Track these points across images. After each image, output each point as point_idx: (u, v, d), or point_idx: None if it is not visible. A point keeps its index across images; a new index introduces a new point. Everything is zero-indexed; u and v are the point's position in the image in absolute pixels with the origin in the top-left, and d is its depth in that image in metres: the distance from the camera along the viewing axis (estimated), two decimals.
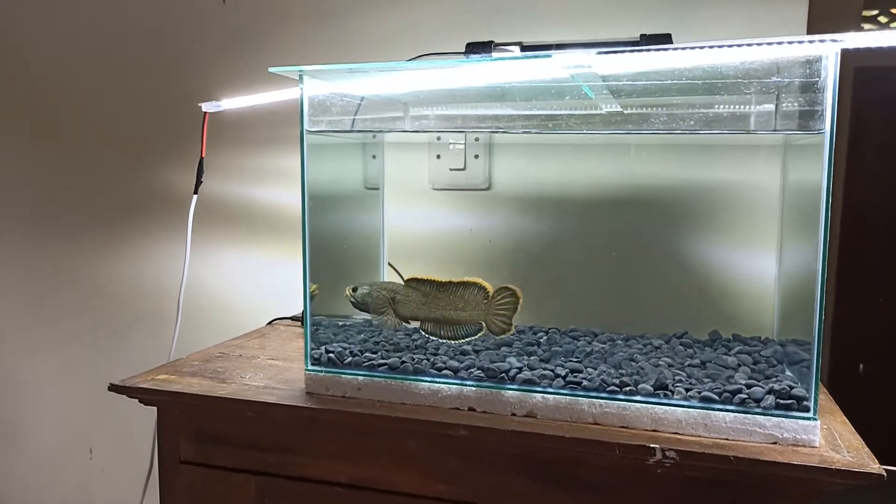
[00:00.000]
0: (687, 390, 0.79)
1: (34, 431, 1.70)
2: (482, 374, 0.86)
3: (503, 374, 0.85)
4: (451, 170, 1.28)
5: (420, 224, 1.31)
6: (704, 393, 0.78)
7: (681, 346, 0.97)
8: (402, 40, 1.30)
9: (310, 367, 0.92)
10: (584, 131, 1.08)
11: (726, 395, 0.77)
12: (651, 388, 0.80)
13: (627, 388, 0.80)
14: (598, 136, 1.18)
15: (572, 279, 1.24)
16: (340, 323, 1.10)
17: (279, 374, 0.99)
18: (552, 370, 0.85)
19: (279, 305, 1.44)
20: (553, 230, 1.24)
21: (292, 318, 1.31)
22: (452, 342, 0.96)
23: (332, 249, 1.15)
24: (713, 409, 0.77)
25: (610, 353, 0.94)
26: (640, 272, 1.19)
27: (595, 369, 0.87)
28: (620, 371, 0.86)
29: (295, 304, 1.40)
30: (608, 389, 0.81)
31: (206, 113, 1.22)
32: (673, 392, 0.79)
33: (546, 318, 1.21)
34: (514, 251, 1.26)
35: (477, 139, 1.26)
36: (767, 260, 1.08)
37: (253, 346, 1.15)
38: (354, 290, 0.98)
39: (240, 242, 1.48)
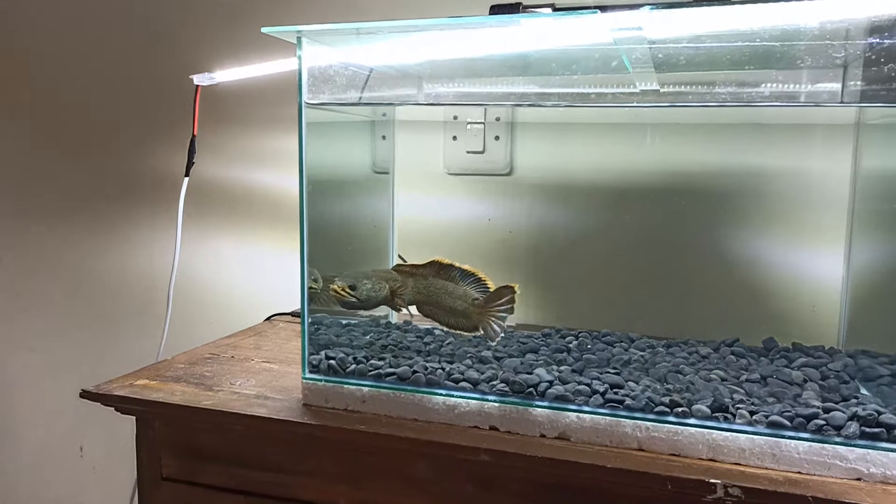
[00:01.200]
0: (751, 413, 0.67)
1: (21, 429, 1.60)
2: (506, 388, 0.74)
3: (531, 389, 0.73)
4: (468, 153, 1.15)
5: (433, 212, 1.19)
6: (773, 417, 0.66)
7: (732, 356, 0.85)
8: (415, 8, 1.17)
9: (307, 376, 0.80)
10: (623, 104, 0.95)
11: (799, 419, 0.65)
12: (708, 410, 0.68)
13: (680, 410, 0.68)
14: (636, 114, 1.05)
15: (602, 276, 1.11)
16: (344, 321, 0.99)
17: (274, 381, 0.87)
18: (588, 384, 0.73)
19: (281, 299, 1.32)
20: (581, 221, 1.12)
21: (292, 314, 1.19)
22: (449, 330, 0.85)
23: (335, 240, 1.03)
24: (784, 437, 0.64)
25: (651, 362, 0.82)
26: (681, 270, 1.06)
27: (637, 383, 0.74)
28: (667, 386, 0.74)
29: (297, 298, 1.28)
30: (656, 410, 0.69)
31: (197, 86, 1.10)
32: (735, 415, 0.67)
33: (572, 319, 1.09)
34: (537, 244, 1.14)
35: (497, 118, 1.13)
36: (832, 259, 0.95)
37: (247, 345, 1.03)
38: (353, 287, 0.86)
39: (237, 230, 1.36)
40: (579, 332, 0.94)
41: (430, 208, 1.20)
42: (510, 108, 1.13)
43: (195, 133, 1.13)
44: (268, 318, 1.19)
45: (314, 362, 0.80)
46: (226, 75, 1.09)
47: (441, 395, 0.75)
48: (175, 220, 1.17)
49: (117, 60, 1.41)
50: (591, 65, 0.95)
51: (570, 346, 0.89)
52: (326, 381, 0.79)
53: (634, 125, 1.05)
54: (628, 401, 0.70)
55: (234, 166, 1.35)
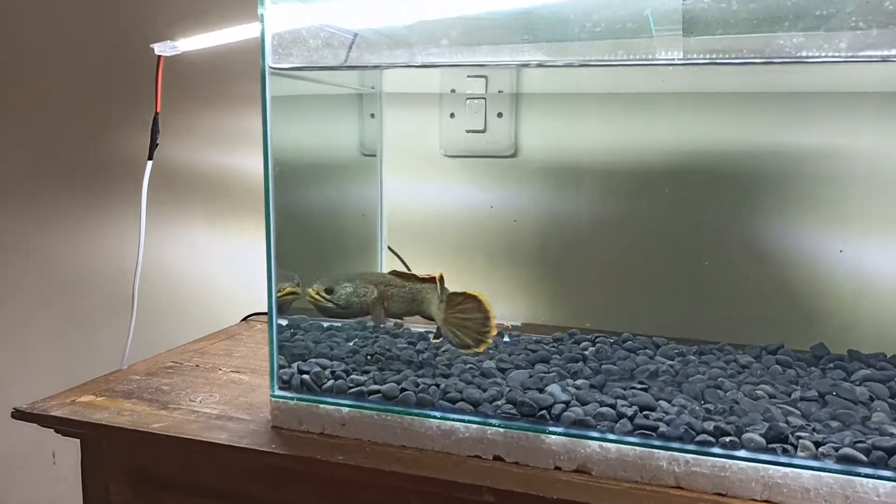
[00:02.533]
0: (817, 444, 0.54)
1: None
2: (513, 410, 0.61)
3: (543, 411, 0.60)
4: (467, 132, 1.02)
5: (428, 200, 1.07)
6: (844, 449, 0.53)
7: (777, 366, 0.72)
8: None
9: (277, 393, 0.67)
10: (647, 61, 0.82)
11: (878, 453, 0.53)
12: (762, 440, 0.55)
13: (727, 439, 0.56)
14: (659, 83, 0.92)
15: (618, 270, 0.99)
16: (326, 325, 0.86)
17: (242, 396, 0.75)
18: (612, 405, 0.60)
19: (264, 295, 1.19)
20: (595, 209, 0.99)
21: None
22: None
23: (316, 233, 0.91)
24: (859, 475, 0.52)
25: (683, 374, 0.70)
26: (709, 264, 0.93)
27: (670, 402, 0.62)
28: (706, 405, 0.62)
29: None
30: (697, 439, 0.56)
31: (159, 57, 0.96)
32: (795, 446, 0.54)
33: (585, 318, 0.97)
34: (545, 234, 1.01)
35: (500, 91, 1.00)
36: (884, 251, 0.82)
37: (217, 351, 0.91)
38: (330, 291, 0.74)
39: (216, 219, 1.24)
40: (596, 337, 0.82)
41: (424, 195, 1.07)
42: (514, 79, 1.00)
43: (158, 110, 0.99)
44: (245, 319, 1.07)
45: (284, 377, 0.68)
46: (191, 43, 0.96)
47: (435, 417, 0.62)
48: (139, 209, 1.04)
49: (69, 28, 1.27)
50: (607, 26, 0.82)
51: (587, 353, 0.76)
52: (299, 399, 0.66)
53: (657, 97, 0.92)
54: (662, 427, 0.57)
55: (207, 148, 1.22)
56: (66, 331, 1.37)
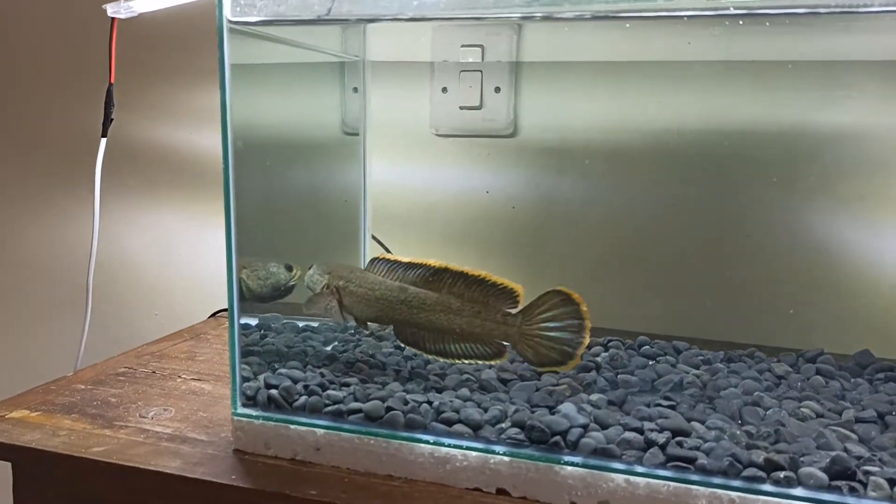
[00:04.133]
0: (892, 482, 0.45)
1: None
2: (521, 436, 0.51)
3: (557, 437, 0.50)
4: (461, 108, 0.92)
5: (417, 183, 0.96)
6: None
7: (819, 377, 0.63)
8: None
9: (240, 411, 0.57)
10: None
11: None
12: (824, 476, 0.46)
13: (782, 475, 0.46)
14: (678, 46, 0.81)
15: (628, 263, 0.89)
16: (302, 325, 0.76)
17: (201, 410, 0.64)
18: (639, 429, 0.51)
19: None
20: (602, 195, 0.89)
21: None
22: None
23: (292, 220, 0.80)
24: None
25: (713, 386, 0.60)
26: (730, 257, 0.84)
27: (704, 422, 0.52)
28: (745, 427, 0.52)
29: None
30: (745, 473, 0.47)
31: (113, 19, 0.85)
32: (865, 483, 0.45)
33: (592, 317, 0.87)
34: (547, 222, 0.91)
35: (499, 61, 0.90)
36: None
37: (178, 354, 0.80)
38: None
39: (185, 203, 1.12)
40: (608, 341, 0.72)
41: (412, 178, 0.96)
42: (513, 47, 0.89)
43: (112, 81, 0.88)
44: (213, 315, 0.96)
45: (249, 391, 0.57)
46: (149, 3, 0.84)
47: (428, 442, 0.52)
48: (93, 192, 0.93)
49: None
50: None
51: (599, 360, 0.67)
52: (266, 418, 0.56)
53: (678, 66, 0.82)
54: (701, 457, 0.48)
55: (176, 125, 1.10)
56: (11, 328, 1.25)
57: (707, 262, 0.85)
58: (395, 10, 0.55)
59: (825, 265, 0.81)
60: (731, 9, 0.65)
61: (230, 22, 0.52)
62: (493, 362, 0.61)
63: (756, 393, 0.59)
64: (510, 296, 0.59)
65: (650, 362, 0.66)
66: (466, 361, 0.61)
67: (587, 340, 0.57)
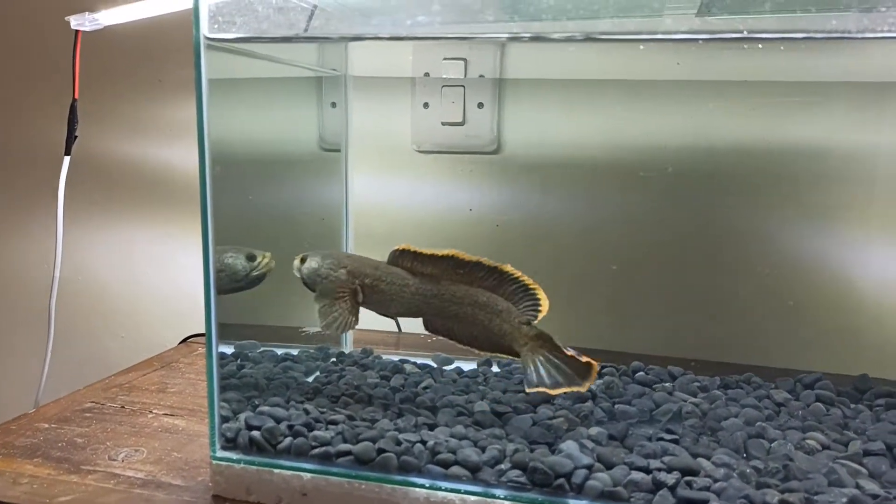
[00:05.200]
0: None
1: None
2: (523, 478, 0.48)
3: (561, 480, 0.48)
4: (444, 124, 0.90)
5: (398, 201, 0.93)
6: None
7: (820, 405, 0.61)
8: None
9: (219, 455, 0.53)
10: (659, 35, 0.69)
11: None
12: None
13: None
14: (664, 66, 0.80)
15: (615, 282, 0.87)
16: (281, 353, 0.72)
17: (176, 451, 0.60)
18: (644, 468, 0.48)
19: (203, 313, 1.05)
20: (587, 212, 0.87)
21: None
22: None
23: (268, 240, 0.76)
24: None
25: (714, 416, 0.58)
26: (719, 275, 0.83)
27: (709, 458, 0.50)
28: (753, 463, 0.50)
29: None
30: None
31: (77, 32, 0.81)
32: None
33: (578, 339, 0.85)
34: (532, 240, 0.89)
35: (482, 76, 0.87)
36: None
37: (148, 385, 0.76)
38: (303, 260, 0.61)
39: (153, 222, 1.08)
40: (602, 367, 0.70)
41: (393, 196, 0.94)
42: (497, 62, 0.87)
43: (76, 96, 0.84)
44: (184, 341, 0.92)
45: (229, 434, 0.54)
46: (115, 15, 0.80)
47: (423, 486, 0.49)
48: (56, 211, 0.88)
49: None
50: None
51: (594, 388, 0.64)
52: (248, 462, 0.52)
53: (663, 84, 0.81)
54: (713, 500, 0.45)
55: (143, 141, 1.06)
56: None
57: (694, 279, 0.84)
58: (377, 30, 0.52)
59: (812, 282, 0.80)
60: (720, 33, 0.64)
61: (208, 39, 0.48)
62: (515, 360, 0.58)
63: (758, 423, 0.57)
64: (534, 300, 0.57)
65: (647, 390, 0.64)
66: (494, 355, 0.59)
67: (586, 387, 0.55)
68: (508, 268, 0.58)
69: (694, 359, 0.75)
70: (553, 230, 0.88)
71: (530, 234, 0.89)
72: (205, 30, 0.48)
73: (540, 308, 0.57)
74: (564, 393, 0.55)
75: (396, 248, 0.60)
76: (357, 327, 0.62)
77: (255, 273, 0.63)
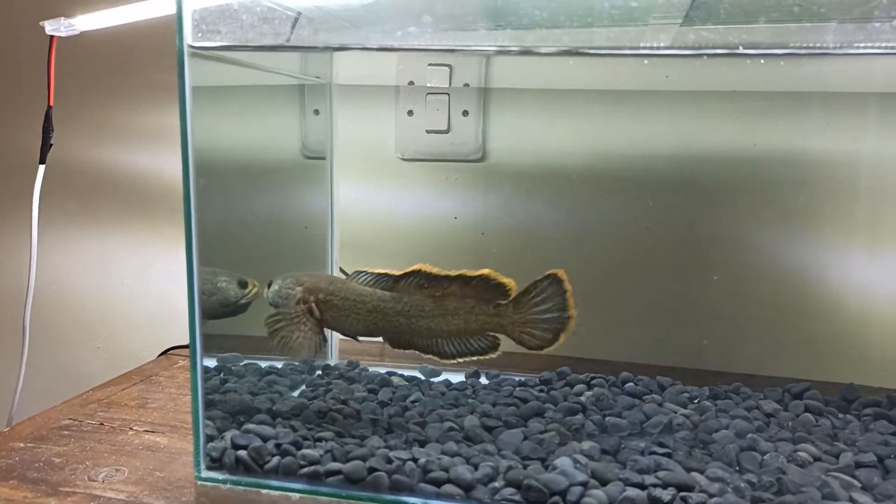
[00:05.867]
0: None
1: None
2: (518, 497, 0.48)
3: (556, 497, 0.47)
4: (428, 132, 0.89)
5: (382, 210, 0.92)
6: None
7: (809, 415, 0.61)
8: None
9: (204, 475, 0.52)
10: (648, 49, 0.69)
11: None
12: None
13: None
14: (651, 77, 0.80)
15: (602, 291, 0.87)
16: (265, 366, 0.71)
17: (158, 470, 0.59)
18: (640, 485, 0.48)
19: (185, 322, 1.03)
20: (573, 221, 0.87)
21: None
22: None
23: (249, 249, 0.75)
24: None
25: (705, 428, 0.58)
26: (706, 284, 0.83)
27: (703, 472, 0.50)
28: (746, 477, 0.50)
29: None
30: None
31: (52, 37, 0.78)
32: None
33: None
34: (517, 249, 0.89)
35: (467, 84, 0.87)
36: None
37: (127, 400, 0.74)
38: (269, 285, 0.60)
39: (130, 231, 1.06)
40: (591, 378, 0.69)
41: (377, 205, 0.93)
42: (482, 70, 0.86)
43: (51, 104, 0.82)
44: (164, 353, 0.90)
45: (214, 453, 0.52)
46: (92, 21, 0.78)
47: None
48: (30, 223, 0.85)
49: None
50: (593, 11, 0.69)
51: (584, 401, 0.64)
52: (234, 483, 0.51)
53: (648, 94, 0.81)
54: None
55: (118, 148, 1.04)
56: None
57: (682, 287, 0.84)
58: (364, 39, 0.51)
59: (795, 289, 0.80)
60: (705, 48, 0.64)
61: (192, 48, 0.47)
62: (488, 356, 0.59)
63: (749, 435, 0.57)
64: (503, 291, 0.58)
65: (637, 401, 0.64)
66: (462, 360, 0.60)
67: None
68: (468, 271, 0.59)
69: (680, 367, 0.75)
70: (538, 239, 0.88)
71: (515, 243, 0.89)
72: (188, 38, 0.47)
73: (508, 290, 0.58)
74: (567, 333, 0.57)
75: (356, 269, 0.61)
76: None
77: (243, 301, 0.62)
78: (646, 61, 0.79)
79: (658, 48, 0.58)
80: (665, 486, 0.48)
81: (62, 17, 0.78)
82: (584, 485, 0.48)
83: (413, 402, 0.63)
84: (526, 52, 0.64)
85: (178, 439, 0.64)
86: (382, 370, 0.72)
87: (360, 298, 0.59)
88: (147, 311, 1.06)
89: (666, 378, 0.69)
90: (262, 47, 0.52)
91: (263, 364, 0.71)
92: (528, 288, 0.58)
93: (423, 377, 0.72)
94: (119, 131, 1.03)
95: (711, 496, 0.47)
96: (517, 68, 0.86)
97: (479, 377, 0.72)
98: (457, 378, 0.71)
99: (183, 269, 1.09)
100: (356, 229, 0.89)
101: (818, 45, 0.50)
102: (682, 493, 0.47)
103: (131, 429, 0.66)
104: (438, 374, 0.73)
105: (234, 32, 0.48)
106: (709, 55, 0.55)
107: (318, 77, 0.79)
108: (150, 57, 0.98)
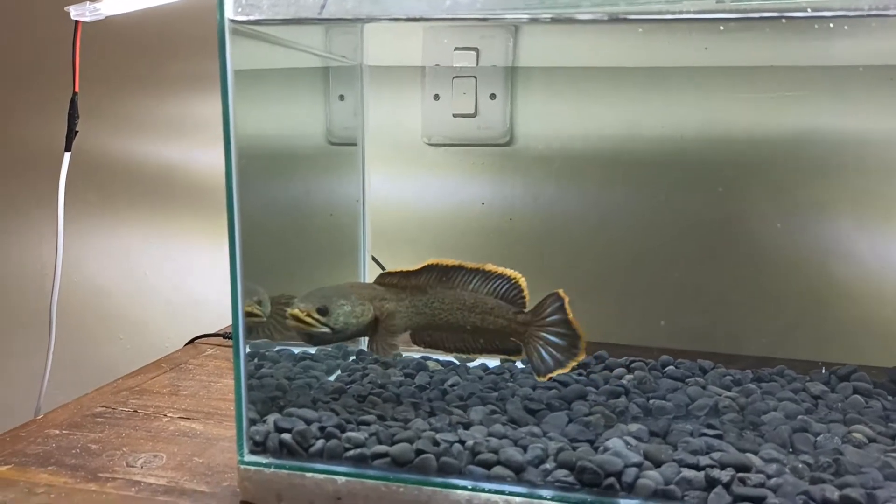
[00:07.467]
0: None
1: None
2: (570, 478, 0.47)
3: (612, 479, 0.46)
4: (455, 116, 0.87)
5: (408, 195, 0.91)
6: None
7: (859, 397, 0.60)
8: None
9: (247, 459, 0.51)
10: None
11: None
12: None
13: None
14: (683, 53, 0.78)
15: (632, 276, 0.86)
16: (297, 351, 0.70)
17: (196, 455, 0.58)
18: (695, 465, 0.47)
19: (213, 308, 1.02)
20: (603, 206, 0.85)
21: (225, 336, 0.89)
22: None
23: (276, 237, 0.74)
24: None
25: (753, 410, 0.57)
26: (739, 268, 0.81)
27: (757, 453, 0.49)
28: (802, 458, 0.49)
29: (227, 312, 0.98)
30: None
31: (77, 22, 0.78)
32: None
33: (595, 334, 0.83)
34: (546, 235, 0.87)
35: (494, 66, 0.85)
36: None
37: (159, 388, 0.73)
38: (324, 312, 0.57)
39: (152, 221, 1.05)
40: (631, 361, 0.68)
41: (403, 191, 0.91)
42: (510, 51, 0.85)
43: (77, 90, 0.81)
44: (191, 342, 0.89)
45: (257, 436, 0.51)
46: (117, 5, 0.77)
47: (465, 488, 0.47)
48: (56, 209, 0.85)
49: None
50: None
51: (626, 384, 0.63)
52: (278, 466, 0.50)
53: (683, 71, 0.79)
54: (771, 497, 0.44)
55: (142, 137, 1.03)
56: None
57: (712, 271, 0.83)
58: (395, 9, 0.49)
59: (829, 272, 0.79)
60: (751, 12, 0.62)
61: (233, 22, 0.46)
62: (512, 358, 0.61)
63: (799, 417, 0.56)
64: (518, 290, 0.59)
65: (680, 384, 0.63)
66: (484, 356, 0.61)
67: (582, 355, 0.57)
68: (490, 266, 0.59)
69: (713, 352, 0.74)
70: (567, 224, 0.87)
71: (544, 229, 0.87)
72: (229, 12, 0.46)
73: (524, 296, 0.59)
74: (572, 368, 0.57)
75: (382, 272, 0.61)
76: None
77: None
78: (683, 34, 0.77)
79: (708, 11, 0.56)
80: (721, 466, 0.46)
81: (87, 2, 0.77)
82: (639, 466, 0.47)
83: (451, 385, 0.62)
84: (559, 21, 0.62)
85: (214, 425, 0.64)
86: (416, 355, 0.71)
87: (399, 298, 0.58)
88: (170, 303, 1.06)
89: (707, 361, 0.68)
90: (303, 20, 0.50)
91: (296, 350, 0.70)
92: (542, 302, 0.58)
93: (457, 362, 0.70)
94: (142, 121, 1.02)
95: (770, 477, 0.46)
96: (546, 46, 0.85)
97: (514, 361, 0.71)
98: (493, 363, 0.70)
99: (204, 260, 1.08)
100: (382, 215, 0.88)
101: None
102: (740, 474, 0.46)
103: (165, 415, 0.66)
104: (473, 359, 0.72)
105: (276, 6, 0.47)
106: (756, 18, 0.54)
107: (343, 57, 0.78)
108: (174, 42, 0.97)
